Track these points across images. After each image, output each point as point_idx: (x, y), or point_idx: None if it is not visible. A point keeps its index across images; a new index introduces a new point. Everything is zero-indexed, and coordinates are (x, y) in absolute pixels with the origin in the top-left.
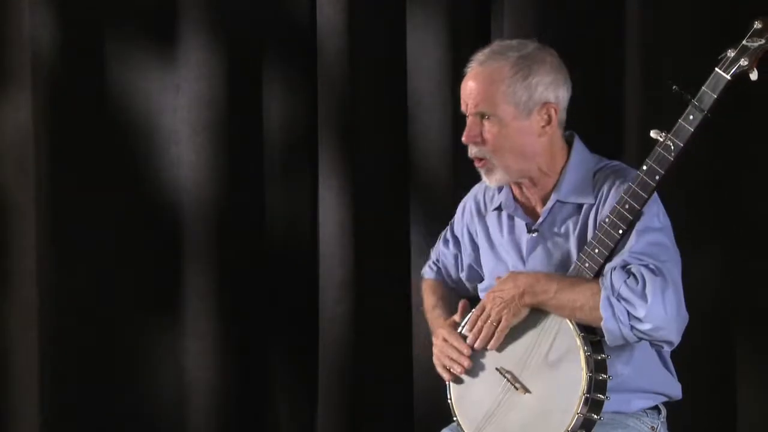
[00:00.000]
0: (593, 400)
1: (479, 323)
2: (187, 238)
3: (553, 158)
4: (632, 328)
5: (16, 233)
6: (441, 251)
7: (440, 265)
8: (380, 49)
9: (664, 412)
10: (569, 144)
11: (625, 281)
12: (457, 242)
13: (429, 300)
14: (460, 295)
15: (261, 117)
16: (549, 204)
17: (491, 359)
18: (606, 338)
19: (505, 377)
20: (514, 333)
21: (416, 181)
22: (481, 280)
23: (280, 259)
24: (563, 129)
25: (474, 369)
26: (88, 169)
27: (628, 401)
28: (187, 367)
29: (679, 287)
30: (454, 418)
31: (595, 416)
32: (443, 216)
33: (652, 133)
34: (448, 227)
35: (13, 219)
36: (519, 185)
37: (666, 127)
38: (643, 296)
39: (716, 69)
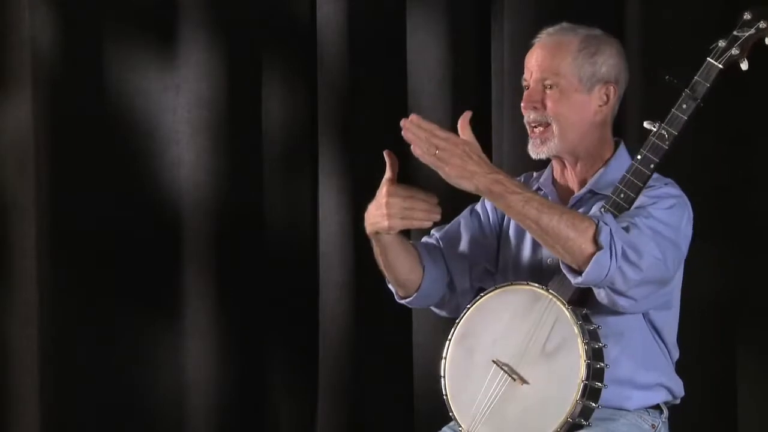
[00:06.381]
0: (591, 388)
1: (424, 135)
2: (187, 238)
3: (601, 145)
4: (620, 269)
5: (16, 233)
6: (449, 225)
7: (439, 234)
8: (380, 49)
9: (666, 412)
10: (616, 146)
11: (621, 227)
12: (476, 215)
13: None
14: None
15: (261, 117)
16: (582, 191)
17: (488, 351)
18: (583, 275)
19: (502, 369)
20: (511, 324)
21: (416, 182)
22: (482, 264)
23: (280, 259)
24: (613, 123)
25: (470, 362)
26: (88, 169)
27: (629, 398)
28: (187, 366)
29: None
30: (450, 413)
31: (593, 404)
32: (443, 216)
33: (646, 124)
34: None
35: (13, 219)
36: (562, 164)
37: None
38: (638, 248)
39: (708, 59)
